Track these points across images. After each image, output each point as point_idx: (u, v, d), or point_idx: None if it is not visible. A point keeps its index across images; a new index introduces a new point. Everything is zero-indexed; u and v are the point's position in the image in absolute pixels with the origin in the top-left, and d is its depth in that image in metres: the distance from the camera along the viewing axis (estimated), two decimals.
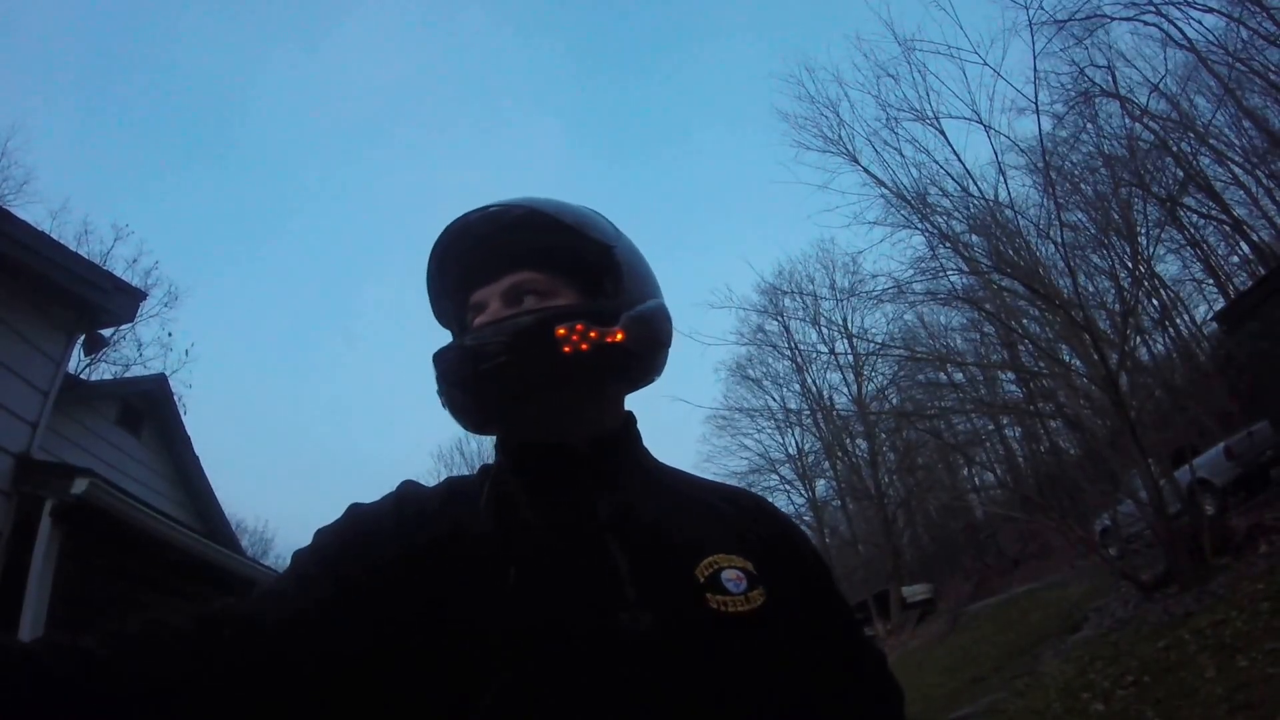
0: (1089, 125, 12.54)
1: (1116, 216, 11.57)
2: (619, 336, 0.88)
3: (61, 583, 4.80)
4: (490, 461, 0.95)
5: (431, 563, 0.78)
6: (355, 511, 0.86)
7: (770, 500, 1.05)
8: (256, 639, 0.68)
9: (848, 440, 28.05)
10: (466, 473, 0.98)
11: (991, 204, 10.97)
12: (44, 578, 4.67)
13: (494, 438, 0.95)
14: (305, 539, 0.84)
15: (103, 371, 16.55)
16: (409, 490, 0.89)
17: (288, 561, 0.82)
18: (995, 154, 10.60)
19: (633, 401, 1.01)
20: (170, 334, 22.97)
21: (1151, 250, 11.74)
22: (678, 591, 0.78)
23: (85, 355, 6.64)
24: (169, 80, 78.98)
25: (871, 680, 0.94)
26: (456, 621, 0.74)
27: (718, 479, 1.10)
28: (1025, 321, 11.80)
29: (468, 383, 0.86)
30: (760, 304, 23.91)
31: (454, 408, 0.89)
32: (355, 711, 0.72)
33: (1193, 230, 19.30)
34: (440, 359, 0.89)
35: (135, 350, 18.61)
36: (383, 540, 0.80)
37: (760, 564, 0.84)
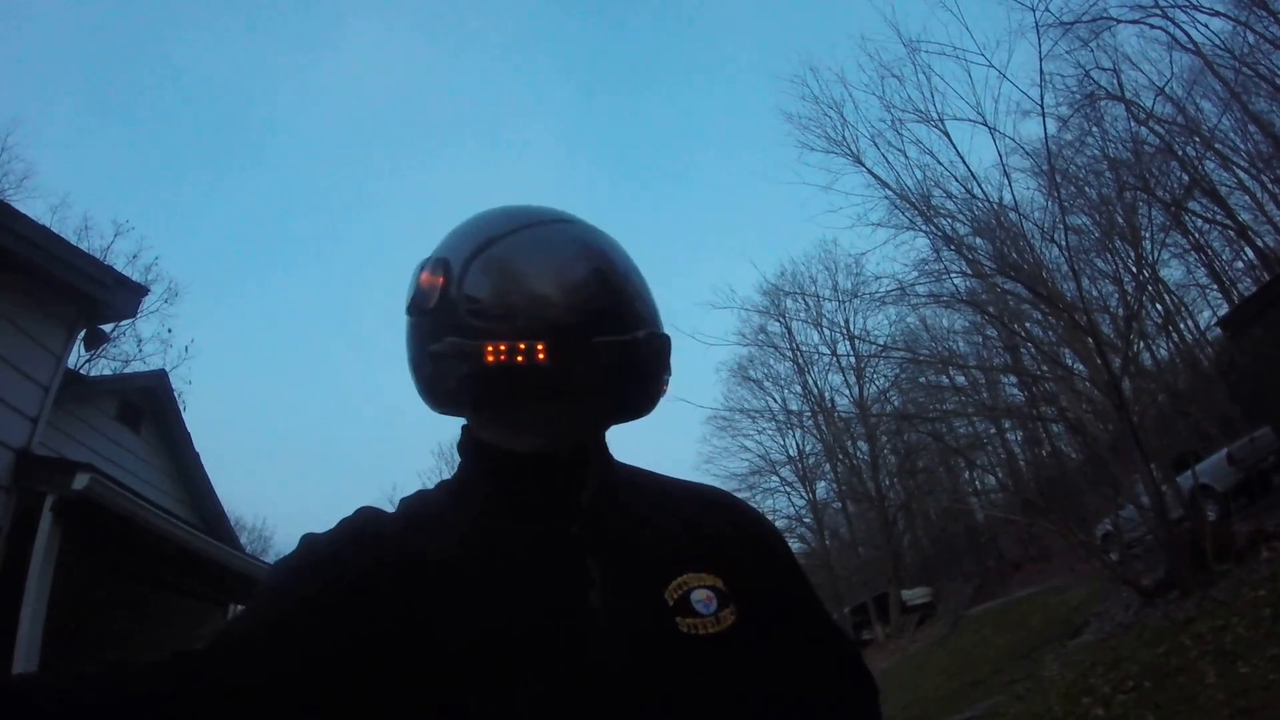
0: (1094, 128, 12.56)
1: (1121, 220, 11.55)
2: None
3: (61, 577, 4.81)
4: (447, 479, 0.94)
5: (395, 587, 0.77)
6: (309, 541, 0.84)
7: (764, 501, 1.04)
8: (217, 671, 0.70)
9: (849, 442, 28.06)
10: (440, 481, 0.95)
11: (996, 206, 10.95)
12: (44, 572, 4.68)
13: (463, 449, 0.92)
14: (299, 540, 0.84)
15: (102, 367, 16.47)
16: (365, 515, 0.87)
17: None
18: (1000, 156, 10.65)
19: None
20: (170, 330, 22.91)
21: (1156, 255, 11.71)
22: (648, 617, 0.78)
23: (86, 350, 6.63)
24: (170, 76, 78.95)
25: (845, 677, 0.93)
26: (424, 648, 0.74)
27: (718, 480, 1.09)
28: (1028, 325, 11.78)
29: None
30: (762, 305, 23.96)
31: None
32: None
33: (1197, 235, 19.28)
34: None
35: (135, 346, 18.51)
36: (338, 566, 0.79)
37: (730, 576, 0.83)
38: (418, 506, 0.89)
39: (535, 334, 0.78)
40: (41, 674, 0.66)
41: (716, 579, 0.82)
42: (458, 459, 0.93)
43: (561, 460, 0.86)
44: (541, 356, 0.77)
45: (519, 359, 0.77)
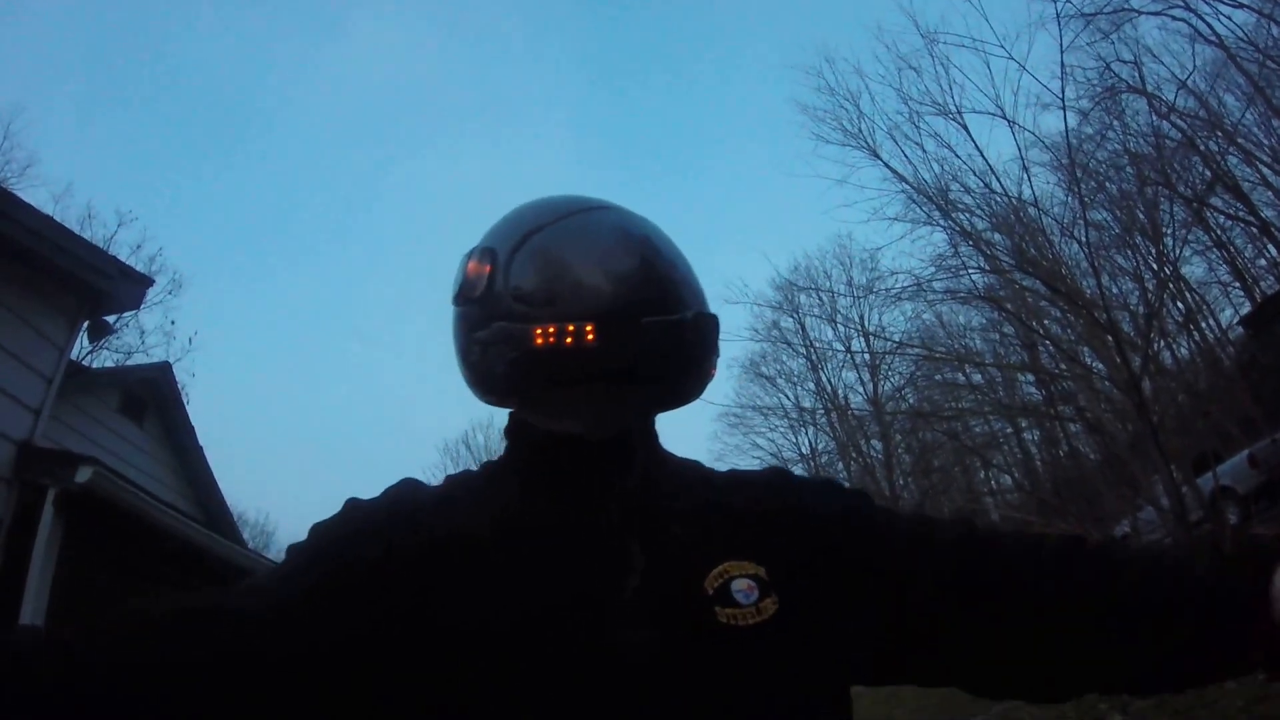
0: (1115, 122, 12.31)
1: (1142, 216, 11.38)
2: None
3: (63, 571, 4.81)
4: (493, 459, 0.94)
5: (423, 564, 0.78)
6: (351, 506, 0.86)
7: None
8: (236, 630, 0.70)
9: (863, 440, 27.90)
10: (473, 467, 0.95)
11: (1014, 201, 10.82)
12: (46, 566, 4.69)
13: (508, 432, 0.92)
14: (305, 533, 0.85)
15: (105, 359, 16.53)
16: (407, 488, 0.88)
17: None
18: (1019, 150, 10.37)
19: None
20: (174, 322, 23.01)
21: (1177, 251, 11.51)
22: (685, 606, 0.77)
23: (89, 341, 6.65)
24: (176, 63, 78.44)
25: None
26: (445, 627, 0.74)
27: None
28: (1046, 322, 11.65)
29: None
30: (775, 300, 23.77)
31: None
32: (336, 711, 0.73)
33: (1219, 232, 19.00)
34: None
35: (138, 338, 18.57)
36: (373, 538, 0.80)
37: (774, 564, 0.81)
38: (457, 485, 0.90)
39: (583, 316, 0.77)
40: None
41: (759, 568, 0.81)
42: (503, 443, 0.93)
43: (605, 444, 0.85)
44: (590, 338, 0.77)
45: (568, 340, 0.77)
